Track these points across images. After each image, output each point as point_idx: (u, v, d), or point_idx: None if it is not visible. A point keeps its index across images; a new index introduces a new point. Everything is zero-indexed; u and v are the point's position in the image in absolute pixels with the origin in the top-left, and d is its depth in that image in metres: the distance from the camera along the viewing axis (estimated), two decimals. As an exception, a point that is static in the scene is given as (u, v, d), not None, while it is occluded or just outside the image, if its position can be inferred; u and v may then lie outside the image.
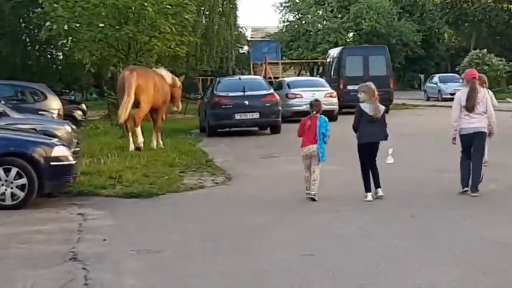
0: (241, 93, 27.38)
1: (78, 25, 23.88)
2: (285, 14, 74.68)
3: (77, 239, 11.08)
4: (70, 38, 25.43)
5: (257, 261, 9.61)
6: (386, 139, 13.90)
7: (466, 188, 13.95)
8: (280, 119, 28.04)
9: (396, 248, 10.15)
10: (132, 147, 21.71)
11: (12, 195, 13.37)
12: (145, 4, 23.13)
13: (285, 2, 74.66)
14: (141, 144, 21.93)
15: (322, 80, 37.65)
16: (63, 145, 14.34)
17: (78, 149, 20.10)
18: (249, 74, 50.95)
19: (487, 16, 74.86)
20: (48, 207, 13.61)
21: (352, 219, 12.14)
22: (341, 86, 39.24)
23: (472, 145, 14.01)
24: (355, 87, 37.46)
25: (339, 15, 70.22)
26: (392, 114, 38.62)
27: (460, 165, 14.20)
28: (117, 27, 23.57)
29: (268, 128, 28.66)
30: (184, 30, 25.74)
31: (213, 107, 27.40)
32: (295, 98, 33.18)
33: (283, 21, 74.27)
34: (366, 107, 13.88)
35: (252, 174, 17.86)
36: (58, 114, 26.48)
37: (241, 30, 50.35)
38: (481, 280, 8.57)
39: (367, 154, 13.86)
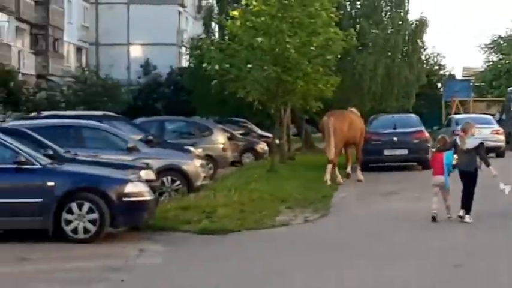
0: (392, 130, 25.64)
1: (228, 65, 23.02)
2: (489, 54, 70.76)
3: (100, 279, 9.95)
4: (221, 77, 24.49)
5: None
6: (475, 170, 14.26)
7: None
8: (429, 156, 25.78)
9: None
10: (327, 177, 21.66)
11: (85, 229, 12.45)
12: (288, 46, 21.86)
13: (489, 44, 70.77)
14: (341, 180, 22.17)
15: (490, 118, 34.74)
16: (139, 181, 13.26)
17: (206, 182, 19.23)
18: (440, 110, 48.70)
19: None
20: (120, 241, 12.60)
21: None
22: (516, 124, 36.31)
23: None
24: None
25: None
26: None
27: None
28: (264, 67, 22.42)
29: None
30: (327, 71, 24.05)
31: (364, 143, 25.77)
32: (461, 134, 30.69)
33: (487, 62, 70.41)
34: (458, 139, 14.43)
35: (352, 212, 16.18)
36: (223, 148, 25.82)
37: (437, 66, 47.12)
38: None
39: (462, 179, 14.44)
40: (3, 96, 35.00)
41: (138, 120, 26.58)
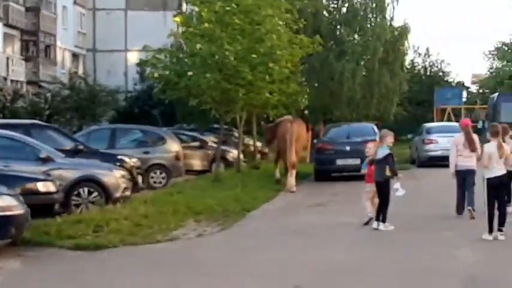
0: (345, 140, 24.77)
1: (168, 72, 22.38)
2: (493, 61, 69.34)
3: None
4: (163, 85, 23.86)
5: None
6: (384, 181, 14.20)
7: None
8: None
9: None
10: (293, 183, 22.34)
11: None
12: (227, 53, 21.09)
13: (493, 50, 69.36)
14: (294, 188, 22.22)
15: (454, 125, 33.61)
16: (8, 195, 12.54)
17: (128, 194, 18.49)
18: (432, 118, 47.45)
19: None
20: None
21: None
22: (495, 132, 35.09)
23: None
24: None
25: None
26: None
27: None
28: (207, 75, 21.66)
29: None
30: (271, 79, 23.13)
31: (316, 153, 25.01)
32: (431, 143, 29.93)
33: (491, 68, 68.95)
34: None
35: (256, 226, 15.37)
36: (176, 157, 25.16)
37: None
38: None
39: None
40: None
41: (91, 129, 26.11)
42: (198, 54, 21.68)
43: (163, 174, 24.80)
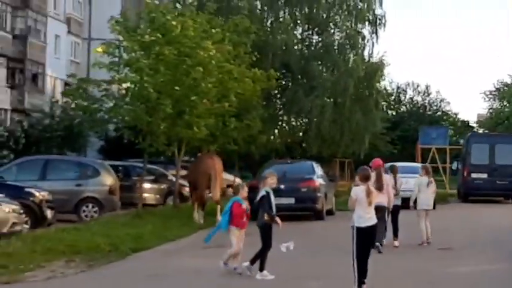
0: (280, 177, 23.49)
1: (86, 103, 21.66)
2: (493, 101, 68.00)
3: None
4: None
5: None
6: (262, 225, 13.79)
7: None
8: (318, 205, 23.71)
9: None
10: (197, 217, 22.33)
11: None
12: (146, 85, 20.12)
13: (493, 91, 68.01)
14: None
15: (418, 167, 32.02)
16: None
17: (19, 228, 17.52)
18: (414, 158, 45.86)
19: None
20: None
21: None
22: (465, 174, 33.83)
23: None
24: (480, 175, 32.26)
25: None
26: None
27: None
28: (128, 106, 20.74)
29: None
30: (198, 113, 22.04)
31: (249, 191, 23.81)
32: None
33: (490, 109, 67.64)
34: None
35: (124, 269, 14.21)
36: (110, 191, 24.12)
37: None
38: None
39: None
40: None
41: (23, 159, 25.30)
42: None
43: (96, 208, 23.82)
